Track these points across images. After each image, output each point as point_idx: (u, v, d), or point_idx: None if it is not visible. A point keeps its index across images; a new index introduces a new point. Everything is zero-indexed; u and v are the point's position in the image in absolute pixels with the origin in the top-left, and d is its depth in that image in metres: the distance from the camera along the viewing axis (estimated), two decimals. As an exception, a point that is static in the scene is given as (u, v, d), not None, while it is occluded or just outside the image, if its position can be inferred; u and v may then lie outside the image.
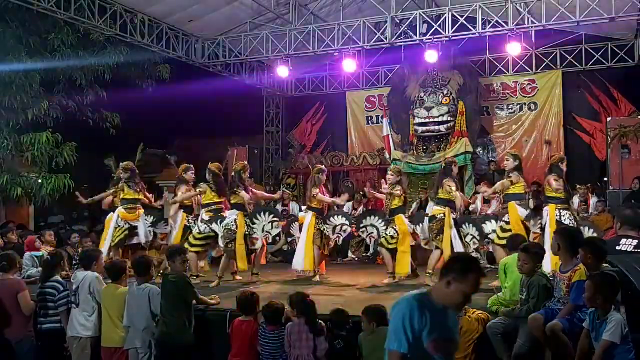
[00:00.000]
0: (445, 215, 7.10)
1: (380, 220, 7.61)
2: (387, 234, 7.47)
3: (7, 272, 5.22)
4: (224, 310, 5.32)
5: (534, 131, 13.30)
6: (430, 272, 7.05)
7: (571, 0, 9.63)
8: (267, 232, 7.51)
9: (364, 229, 7.75)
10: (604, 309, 3.52)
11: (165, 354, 4.89)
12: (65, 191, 10.18)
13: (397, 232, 7.44)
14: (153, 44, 11.32)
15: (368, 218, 7.80)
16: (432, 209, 10.34)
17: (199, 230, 7.59)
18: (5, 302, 5.02)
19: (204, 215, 7.65)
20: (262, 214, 7.51)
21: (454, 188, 7.08)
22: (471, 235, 7.12)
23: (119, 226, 7.67)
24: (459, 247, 6.98)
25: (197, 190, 7.83)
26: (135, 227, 7.76)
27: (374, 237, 7.74)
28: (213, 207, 7.67)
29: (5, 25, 9.84)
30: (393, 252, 7.43)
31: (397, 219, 7.50)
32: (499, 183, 7.39)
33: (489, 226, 7.18)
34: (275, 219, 7.58)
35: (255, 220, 7.46)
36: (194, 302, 5.14)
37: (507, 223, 6.92)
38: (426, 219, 7.47)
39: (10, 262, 5.27)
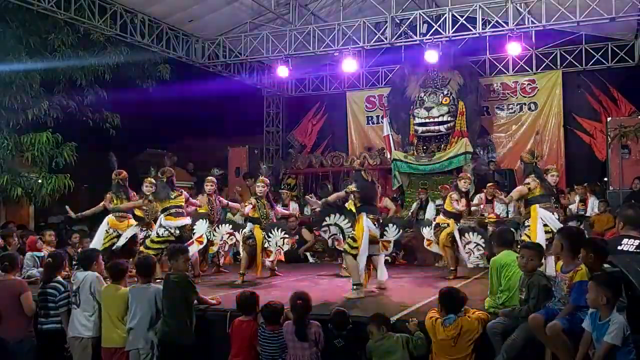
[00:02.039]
0: (448, 226, 7.63)
1: (346, 220, 6.51)
2: (349, 237, 6.41)
3: (9, 272, 5.22)
4: (224, 310, 5.32)
5: (534, 131, 13.28)
6: (453, 269, 7.72)
7: (571, 0, 9.65)
8: (279, 246, 7.66)
9: (326, 228, 6.58)
10: (605, 309, 3.51)
11: (166, 354, 4.89)
12: (65, 191, 10.18)
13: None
14: (153, 44, 11.33)
15: (332, 216, 6.57)
16: (432, 209, 10.43)
17: (157, 233, 7.51)
18: (6, 302, 5.02)
19: (163, 220, 7.53)
20: (275, 229, 7.67)
21: (456, 206, 7.62)
22: (474, 242, 7.46)
23: (107, 233, 7.85)
24: (462, 255, 7.57)
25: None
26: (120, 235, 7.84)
27: (336, 239, 6.55)
28: (172, 211, 7.61)
29: (5, 25, 9.83)
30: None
31: (359, 218, 6.43)
32: (515, 190, 7.10)
33: None
34: (286, 236, 7.71)
35: (270, 235, 7.63)
36: (195, 301, 5.14)
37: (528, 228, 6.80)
38: (433, 223, 7.97)
39: (11, 262, 5.28)
